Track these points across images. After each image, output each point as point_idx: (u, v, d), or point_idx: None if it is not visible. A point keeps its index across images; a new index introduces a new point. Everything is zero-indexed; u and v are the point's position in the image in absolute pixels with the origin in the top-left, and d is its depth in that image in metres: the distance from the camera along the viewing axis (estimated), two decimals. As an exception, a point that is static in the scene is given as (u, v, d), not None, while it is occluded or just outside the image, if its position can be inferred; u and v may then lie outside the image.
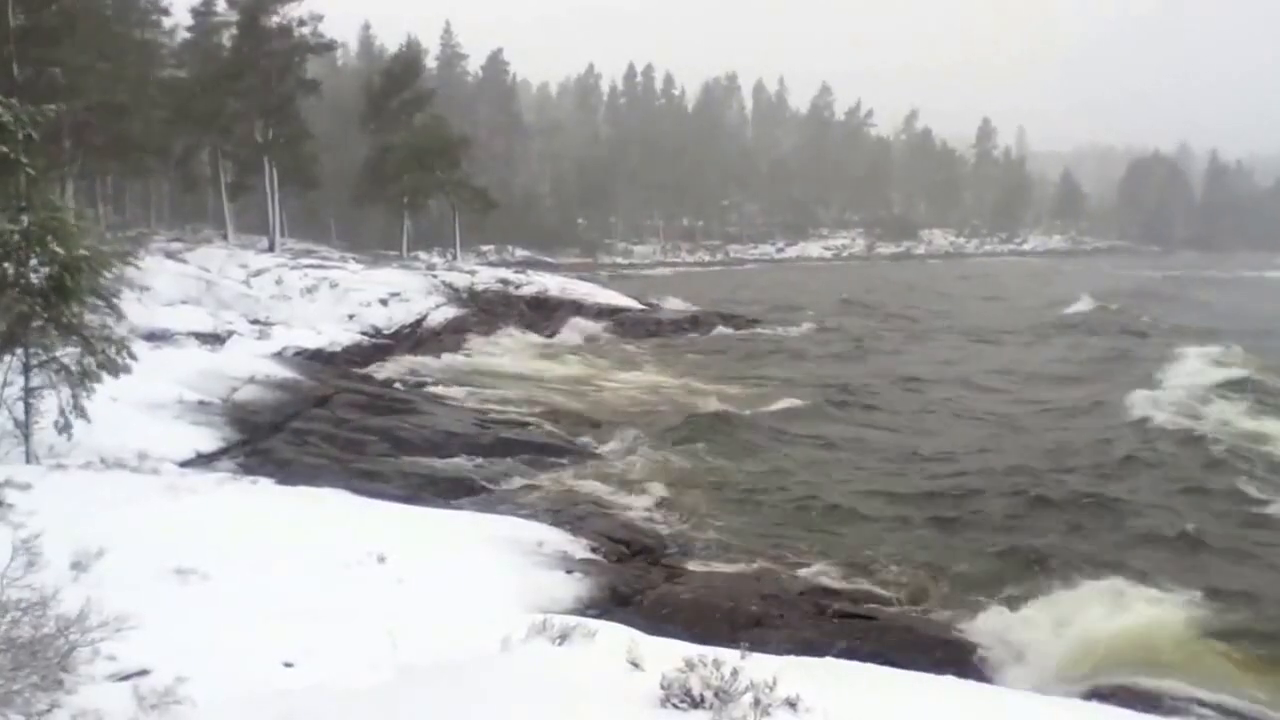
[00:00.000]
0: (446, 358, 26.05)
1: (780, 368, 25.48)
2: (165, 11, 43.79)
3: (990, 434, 17.46)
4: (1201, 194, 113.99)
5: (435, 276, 34.11)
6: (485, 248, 69.10)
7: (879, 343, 30.88)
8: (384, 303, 29.29)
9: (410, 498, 12.06)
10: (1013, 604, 9.22)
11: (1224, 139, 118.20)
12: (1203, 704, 6.79)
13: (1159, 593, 9.26)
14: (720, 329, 33.47)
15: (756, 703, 4.79)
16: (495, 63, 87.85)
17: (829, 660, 6.28)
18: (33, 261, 10.75)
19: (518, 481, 13.97)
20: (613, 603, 8.65)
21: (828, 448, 16.44)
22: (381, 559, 8.09)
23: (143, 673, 5.47)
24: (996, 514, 12.49)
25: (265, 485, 11.07)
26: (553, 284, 36.07)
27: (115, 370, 11.26)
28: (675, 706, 4.81)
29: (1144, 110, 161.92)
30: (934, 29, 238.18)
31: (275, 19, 39.42)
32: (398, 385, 21.32)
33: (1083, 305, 39.18)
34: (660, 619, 8.17)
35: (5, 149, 10.43)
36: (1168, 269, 72.74)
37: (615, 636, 6.27)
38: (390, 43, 73.94)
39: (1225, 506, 12.83)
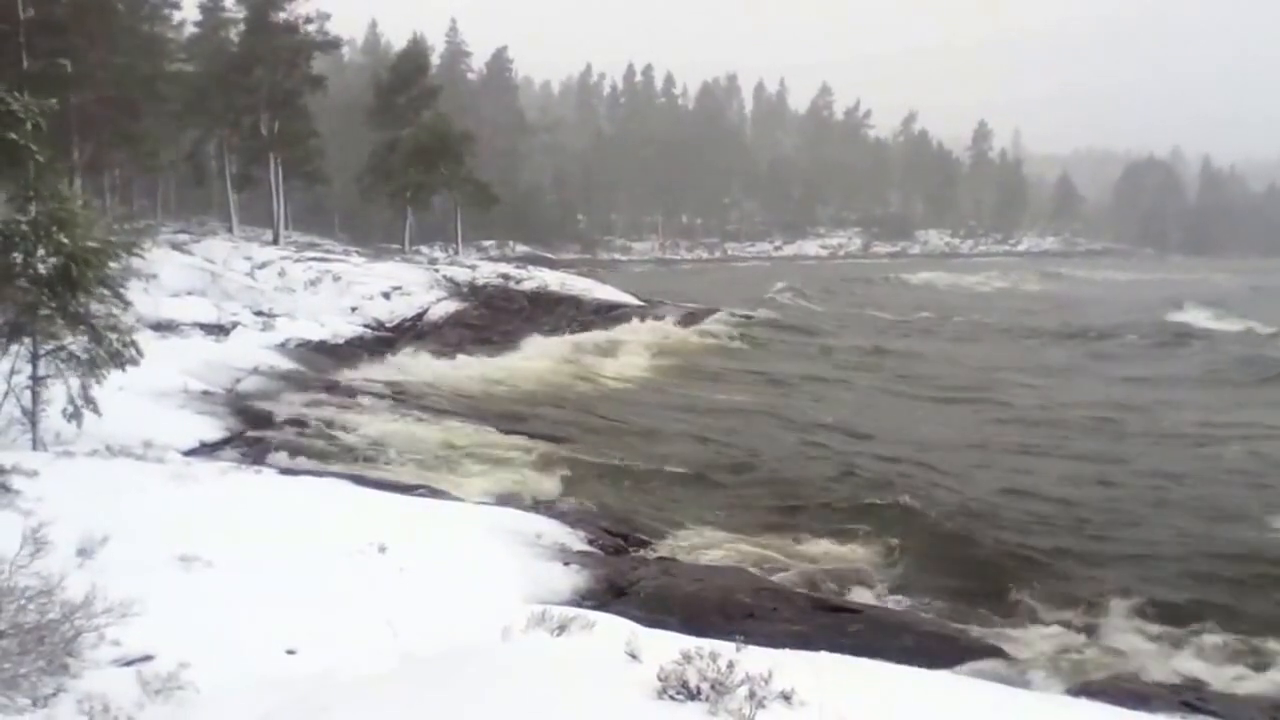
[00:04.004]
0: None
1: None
2: (175, 6, 43.86)
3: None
4: (1195, 198, 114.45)
5: (437, 271, 34.18)
6: (486, 243, 69.08)
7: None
8: (386, 296, 29.36)
9: (411, 487, 12.11)
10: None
11: (1218, 144, 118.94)
12: (1190, 706, 6.88)
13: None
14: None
15: (752, 695, 4.84)
16: (499, 60, 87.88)
17: (823, 654, 6.34)
18: (40, 252, 10.80)
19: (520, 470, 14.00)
20: (610, 594, 8.72)
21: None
22: (383, 548, 8.16)
23: (147, 658, 5.53)
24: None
25: (268, 474, 11.14)
26: (552, 279, 36.19)
27: (122, 361, 11.32)
28: (672, 698, 4.87)
29: (1141, 114, 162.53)
30: (932, 34, 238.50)
31: (282, 15, 39.46)
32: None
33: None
34: (656, 611, 8.24)
35: (15, 136, 10.47)
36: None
37: (613, 628, 6.35)
38: (396, 39, 73.98)
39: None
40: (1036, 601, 9.66)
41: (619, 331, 30.11)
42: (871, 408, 20.97)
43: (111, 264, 11.57)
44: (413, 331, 28.13)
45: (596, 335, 29.32)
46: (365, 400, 17.71)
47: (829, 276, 61.51)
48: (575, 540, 10.01)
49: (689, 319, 33.46)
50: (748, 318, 35.56)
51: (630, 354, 26.69)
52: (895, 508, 12.25)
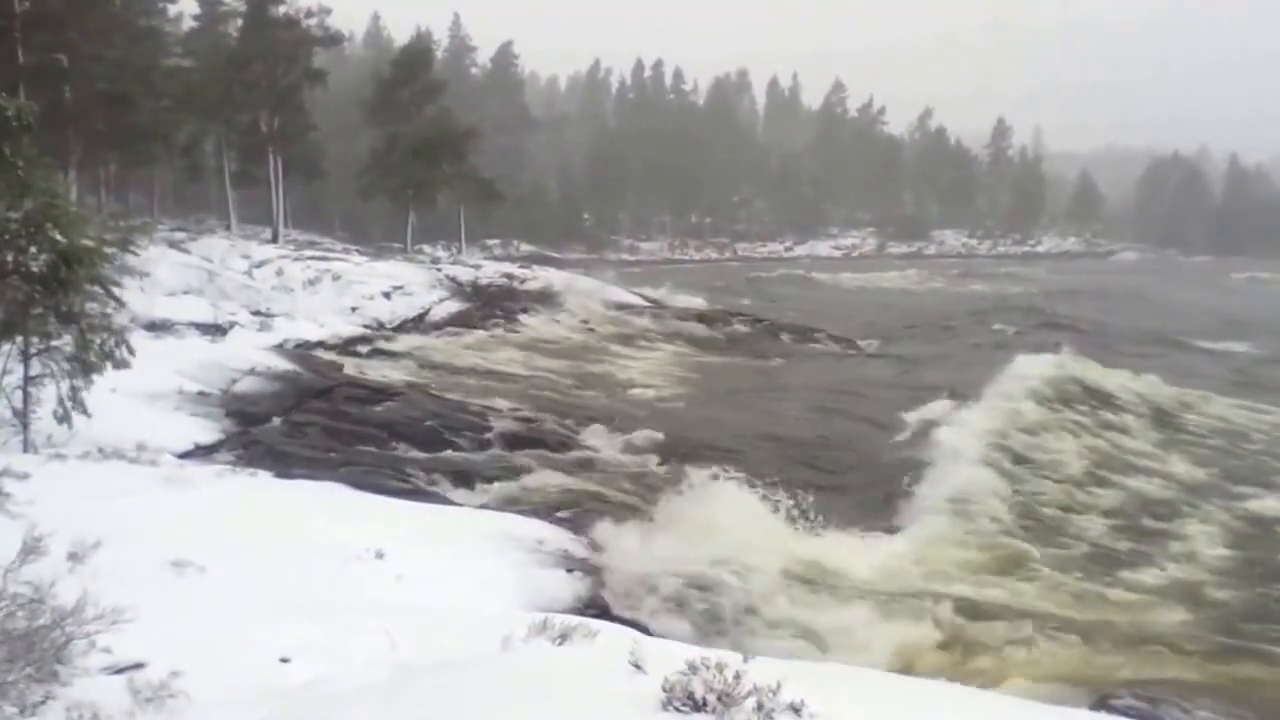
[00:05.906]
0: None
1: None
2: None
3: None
4: (1221, 197, 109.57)
5: (439, 270, 34.15)
6: (490, 242, 69.05)
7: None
8: (387, 296, 29.28)
9: (410, 492, 11.98)
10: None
11: (1246, 142, 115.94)
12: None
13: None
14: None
15: (759, 707, 4.72)
16: (504, 55, 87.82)
17: (833, 665, 6.23)
18: (32, 249, 10.66)
19: (519, 477, 13.90)
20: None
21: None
22: (380, 555, 8.03)
23: (138, 666, 5.43)
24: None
25: (264, 478, 10.99)
26: (558, 279, 36.14)
27: (114, 363, 11.18)
28: (677, 709, 4.74)
29: (1167, 108, 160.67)
30: (950, 23, 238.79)
31: (282, 9, 39.39)
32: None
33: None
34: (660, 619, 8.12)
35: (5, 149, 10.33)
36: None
37: (616, 637, 6.21)
38: (398, 34, 73.93)
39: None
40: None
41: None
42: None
43: (106, 262, 11.44)
44: (414, 332, 28.05)
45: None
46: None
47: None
48: (578, 546, 9.88)
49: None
50: None
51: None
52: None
